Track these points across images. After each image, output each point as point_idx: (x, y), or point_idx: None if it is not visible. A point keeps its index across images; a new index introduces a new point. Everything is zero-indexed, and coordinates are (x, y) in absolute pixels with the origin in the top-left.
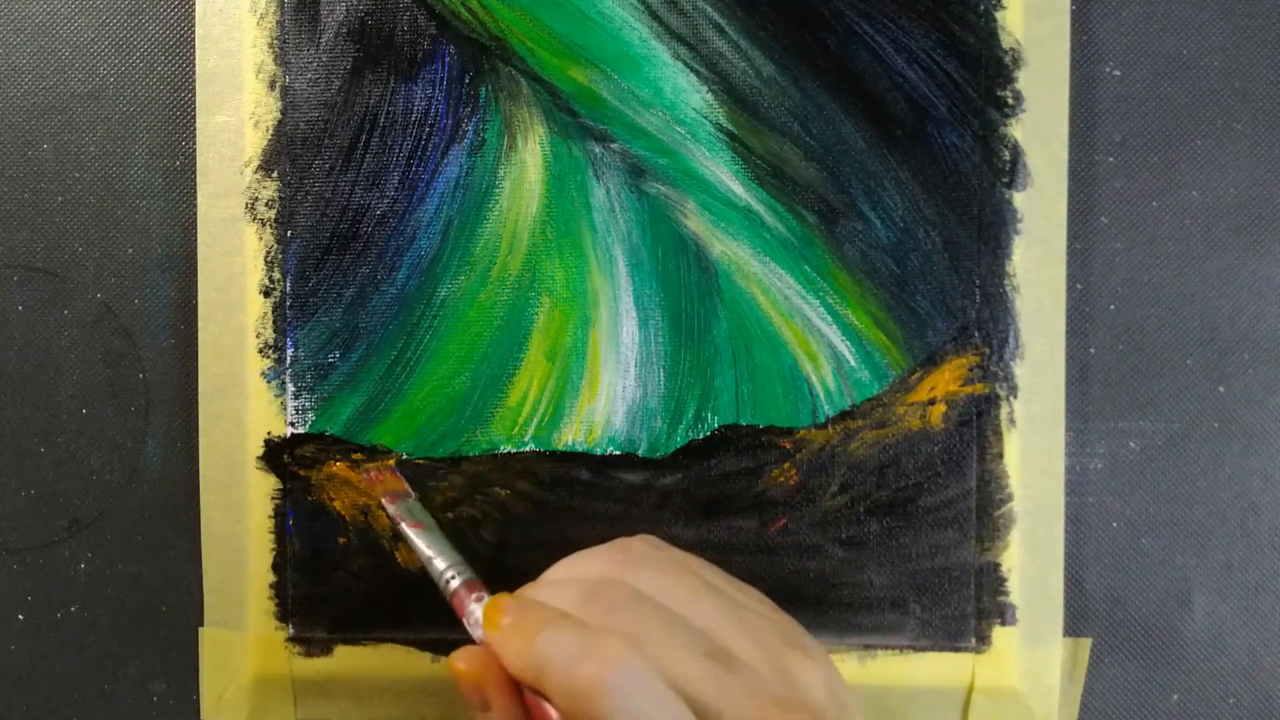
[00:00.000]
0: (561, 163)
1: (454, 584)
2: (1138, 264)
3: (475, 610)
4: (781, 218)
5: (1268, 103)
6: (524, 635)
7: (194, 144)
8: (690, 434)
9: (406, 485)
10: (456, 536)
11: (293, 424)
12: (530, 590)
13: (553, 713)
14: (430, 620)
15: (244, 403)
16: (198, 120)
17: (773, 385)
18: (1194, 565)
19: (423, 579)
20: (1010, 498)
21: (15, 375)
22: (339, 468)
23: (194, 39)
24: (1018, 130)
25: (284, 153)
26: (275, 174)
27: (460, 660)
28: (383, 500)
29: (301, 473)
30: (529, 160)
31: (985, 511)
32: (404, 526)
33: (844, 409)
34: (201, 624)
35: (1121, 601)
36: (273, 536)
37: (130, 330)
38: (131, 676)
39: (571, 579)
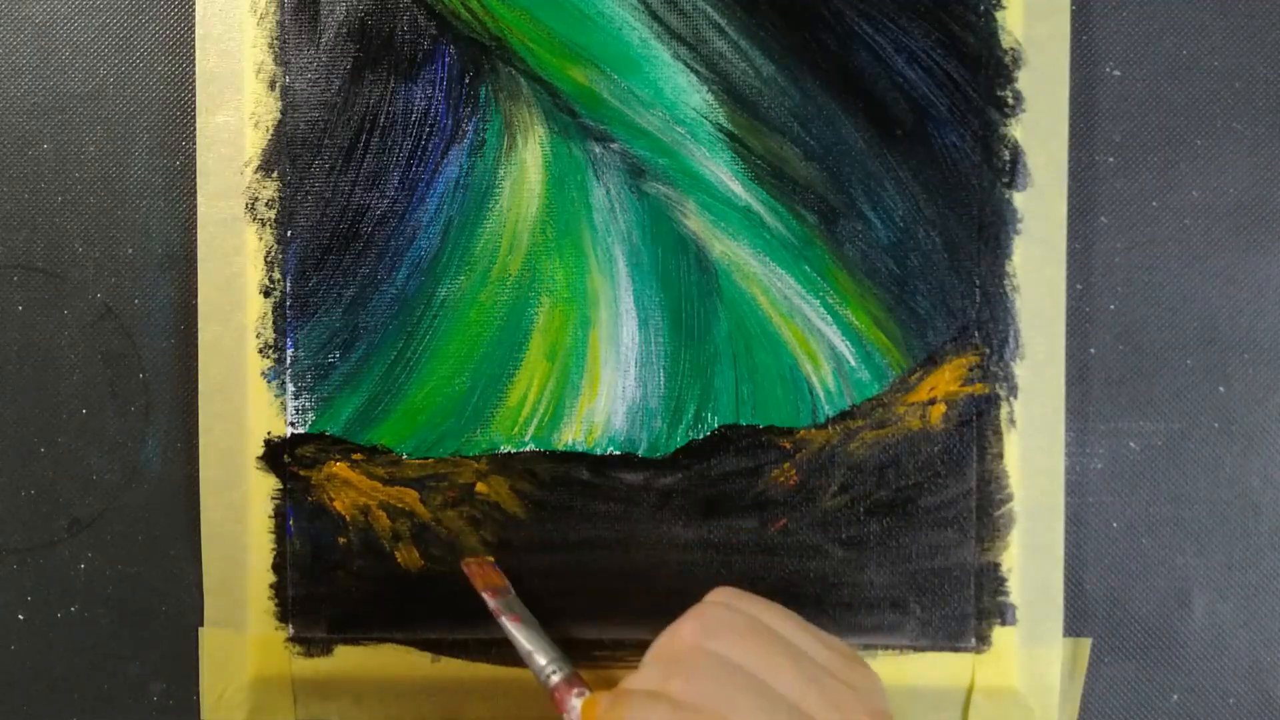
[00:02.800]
0: (561, 163)
1: (555, 679)
2: (1138, 264)
3: (575, 705)
4: (781, 218)
5: (1268, 103)
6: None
7: (194, 144)
8: (690, 434)
9: (505, 580)
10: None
11: (293, 424)
12: (625, 682)
13: None
14: (430, 620)
15: (244, 403)
16: (198, 120)
17: (773, 385)
18: (1194, 565)
19: (423, 579)
20: (1010, 498)
21: (15, 375)
22: (339, 468)
23: (194, 39)
24: (1018, 130)
25: (284, 153)
26: (275, 174)
27: None
28: (484, 594)
29: (301, 473)
30: (529, 160)
31: (985, 511)
32: (504, 620)
33: (844, 409)
34: (201, 624)
35: (1121, 601)
36: (273, 536)
37: (130, 330)
38: (131, 676)
39: (656, 658)
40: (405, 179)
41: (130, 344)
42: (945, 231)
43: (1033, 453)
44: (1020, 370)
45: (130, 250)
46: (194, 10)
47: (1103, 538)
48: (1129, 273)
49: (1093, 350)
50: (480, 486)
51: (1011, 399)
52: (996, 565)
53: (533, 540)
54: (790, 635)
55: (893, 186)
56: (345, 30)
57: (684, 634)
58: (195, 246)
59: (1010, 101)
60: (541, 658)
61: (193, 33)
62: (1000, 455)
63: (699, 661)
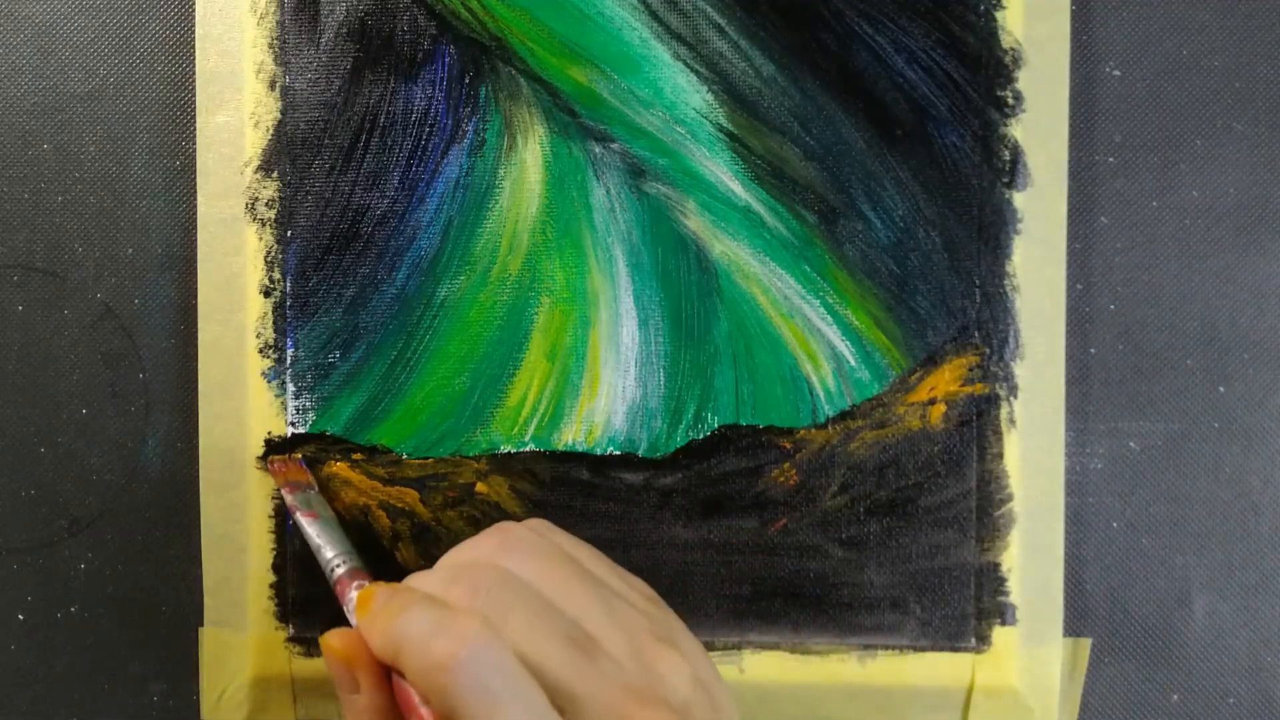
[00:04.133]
0: (561, 163)
1: (338, 571)
2: (1138, 264)
3: (353, 598)
4: (781, 218)
5: (1268, 103)
6: (387, 617)
7: (194, 144)
8: (690, 434)
9: (311, 478)
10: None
11: (293, 424)
12: (409, 579)
13: (415, 698)
14: None
15: (244, 403)
16: (198, 120)
17: (773, 385)
18: (1194, 565)
19: None
20: (1010, 498)
21: (15, 375)
22: (339, 468)
23: (194, 39)
24: (1018, 130)
25: (284, 153)
26: (275, 174)
27: (332, 639)
28: (282, 490)
29: None
30: (529, 160)
31: (985, 511)
32: (298, 515)
33: (844, 409)
34: (201, 624)
35: (1121, 601)
36: (273, 536)
37: (130, 330)
38: (131, 676)
39: (448, 564)
40: (405, 179)
41: (130, 344)
42: (945, 231)
43: (1033, 453)
44: (1020, 370)
45: (130, 250)
46: (194, 10)
47: (1103, 538)
48: (1129, 273)
49: (1093, 350)
50: (480, 486)
51: (1011, 399)
52: (996, 565)
53: None
54: (592, 567)
55: (893, 186)
56: (345, 30)
57: (481, 547)
58: (195, 246)
59: (1010, 101)
60: (329, 551)
61: (193, 33)
62: (1000, 455)
63: (485, 575)
